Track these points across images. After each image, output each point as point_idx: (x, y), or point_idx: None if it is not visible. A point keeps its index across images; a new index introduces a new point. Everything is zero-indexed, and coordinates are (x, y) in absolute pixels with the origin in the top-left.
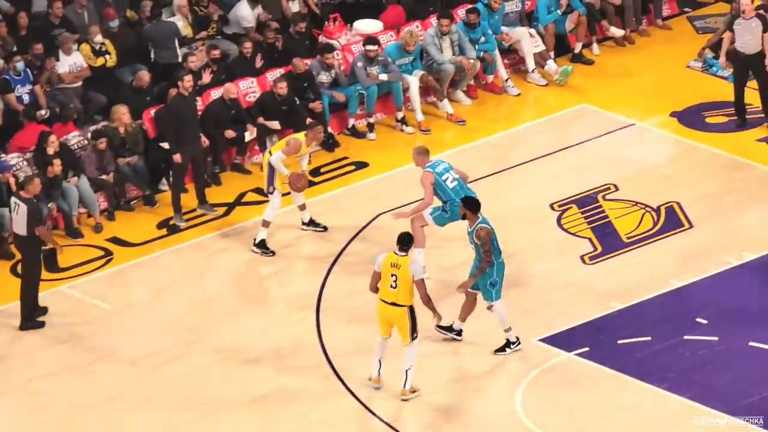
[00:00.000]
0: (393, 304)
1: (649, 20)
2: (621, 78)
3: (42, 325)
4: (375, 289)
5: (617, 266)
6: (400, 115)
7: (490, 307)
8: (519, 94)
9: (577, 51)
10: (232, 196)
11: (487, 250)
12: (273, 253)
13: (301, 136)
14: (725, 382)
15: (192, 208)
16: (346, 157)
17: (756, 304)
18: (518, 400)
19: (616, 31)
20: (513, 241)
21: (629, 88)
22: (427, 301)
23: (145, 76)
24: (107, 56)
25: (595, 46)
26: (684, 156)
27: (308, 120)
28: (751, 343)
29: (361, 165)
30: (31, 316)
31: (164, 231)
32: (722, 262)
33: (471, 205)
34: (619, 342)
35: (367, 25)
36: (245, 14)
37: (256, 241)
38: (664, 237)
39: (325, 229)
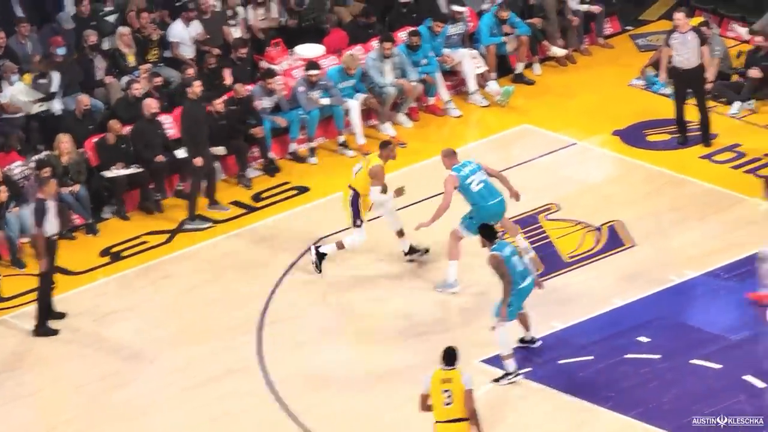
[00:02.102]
0: (452, 421)
1: (590, 39)
2: (563, 98)
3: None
4: (426, 411)
5: (559, 286)
6: (341, 138)
7: (493, 328)
8: (461, 116)
9: (518, 71)
10: (174, 223)
11: (502, 273)
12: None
13: (376, 159)
14: (668, 399)
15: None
16: (287, 182)
17: (697, 322)
18: None
19: (558, 51)
20: (442, 271)
21: (571, 108)
22: (474, 415)
23: (84, 99)
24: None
25: (536, 66)
26: (626, 174)
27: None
28: (692, 361)
29: (303, 189)
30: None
31: (107, 259)
32: (664, 280)
33: (485, 233)
34: (562, 362)
35: (308, 50)
36: (177, 31)
37: (320, 250)
38: (606, 256)
39: (427, 251)
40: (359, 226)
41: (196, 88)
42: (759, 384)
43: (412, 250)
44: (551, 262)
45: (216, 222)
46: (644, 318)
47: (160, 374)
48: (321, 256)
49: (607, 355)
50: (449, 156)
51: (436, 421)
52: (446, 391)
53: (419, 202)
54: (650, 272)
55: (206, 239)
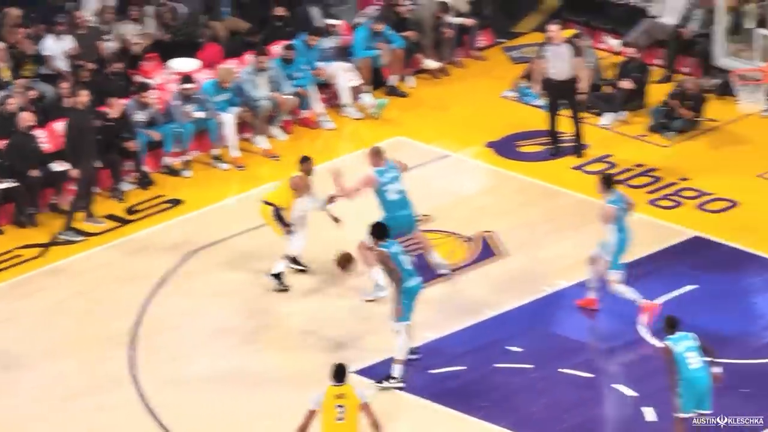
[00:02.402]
0: None
1: (464, 52)
2: (436, 110)
3: None
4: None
5: (431, 296)
6: (215, 152)
7: (397, 331)
8: (335, 128)
9: (392, 84)
10: (48, 237)
11: (390, 269)
12: (287, 288)
13: (295, 173)
14: (539, 408)
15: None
16: (161, 195)
17: (569, 332)
18: None
19: (432, 64)
20: (330, 273)
21: (445, 120)
22: (377, 426)
23: None
24: None
25: (410, 78)
26: (499, 186)
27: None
28: (563, 370)
29: (176, 202)
30: None
31: None
32: (536, 290)
33: (375, 231)
34: (433, 372)
35: (183, 64)
36: (49, 46)
37: (273, 274)
38: (479, 267)
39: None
40: (292, 232)
41: (83, 98)
42: (629, 392)
43: (295, 261)
44: (424, 272)
45: (90, 235)
46: (516, 328)
47: (32, 387)
48: (277, 276)
49: (479, 365)
50: (376, 155)
51: None
52: (340, 406)
53: None
54: (522, 282)
55: (80, 252)
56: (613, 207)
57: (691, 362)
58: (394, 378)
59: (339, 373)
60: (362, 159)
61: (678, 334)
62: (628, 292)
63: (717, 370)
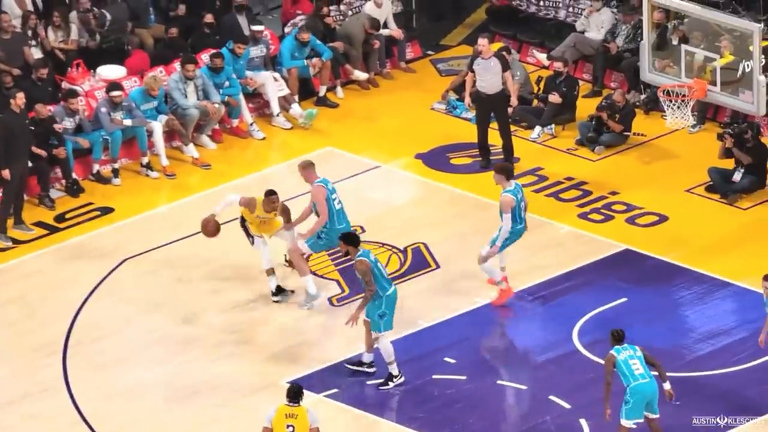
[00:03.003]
0: None
1: (392, 63)
2: (366, 121)
3: None
4: None
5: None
6: (145, 160)
7: (376, 339)
8: (264, 138)
9: (321, 94)
10: None
11: (368, 281)
12: (292, 291)
13: (259, 199)
14: (474, 420)
15: None
16: (91, 203)
17: (503, 343)
18: None
19: (360, 75)
20: (260, 287)
21: (374, 131)
22: None
23: None
24: None
25: (339, 89)
26: (430, 197)
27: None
28: (498, 381)
29: (107, 210)
30: None
31: None
32: (470, 301)
33: (351, 241)
34: (369, 383)
35: (110, 71)
36: None
37: (273, 291)
38: (412, 278)
39: (293, 292)
40: (252, 244)
41: (19, 100)
42: (564, 404)
43: (279, 291)
44: (358, 283)
45: (18, 242)
46: (450, 339)
47: None
48: (279, 291)
49: (414, 376)
50: (308, 168)
51: None
52: (290, 426)
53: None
54: (456, 294)
55: (9, 260)
56: (511, 196)
57: (636, 369)
58: (395, 376)
59: (294, 394)
60: (295, 172)
61: (622, 345)
62: (493, 273)
63: (666, 386)
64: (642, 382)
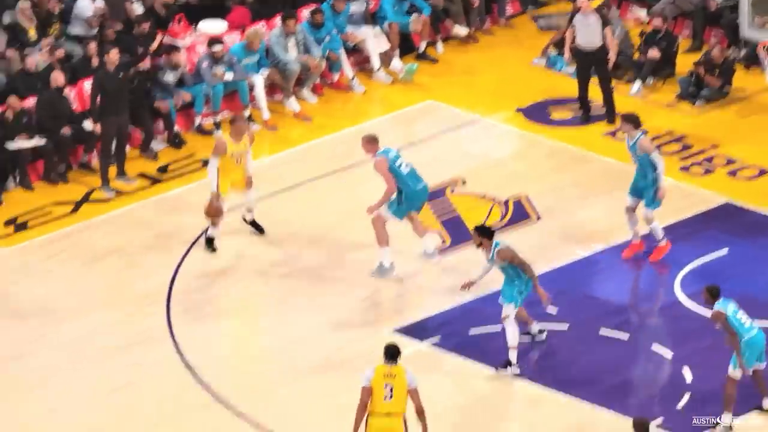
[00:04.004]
0: (388, 415)
1: (492, 19)
2: (466, 76)
3: None
4: (363, 410)
5: (466, 258)
6: (246, 113)
7: (505, 318)
8: (365, 92)
9: (421, 50)
10: (80, 194)
11: (520, 262)
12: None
13: (225, 135)
14: (577, 369)
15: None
16: (192, 155)
17: (603, 294)
18: None
19: (460, 30)
20: (363, 236)
21: (474, 86)
22: (422, 412)
23: None
24: None
25: (439, 44)
26: (530, 150)
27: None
28: (600, 331)
29: (208, 162)
30: None
31: (11, 229)
32: (570, 253)
33: (485, 234)
34: (471, 332)
35: (211, 26)
36: (83, 6)
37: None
38: (512, 229)
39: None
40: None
41: (113, 56)
42: (666, 353)
43: (254, 224)
44: (459, 234)
45: (121, 193)
46: (552, 289)
47: (68, 343)
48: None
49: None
50: (371, 141)
51: (372, 412)
52: (388, 385)
53: (326, 175)
54: (556, 245)
55: (112, 210)
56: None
57: (744, 321)
58: (512, 364)
59: (391, 354)
60: (396, 126)
61: (722, 300)
62: (657, 232)
63: None
64: (754, 333)
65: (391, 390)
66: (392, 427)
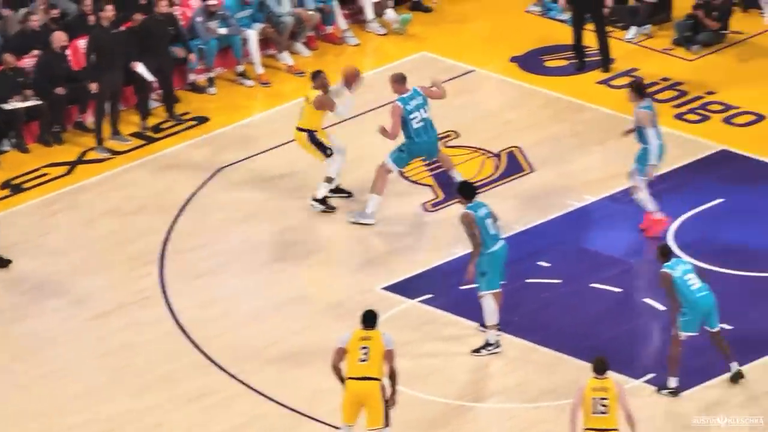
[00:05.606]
0: (364, 378)
1: None
2: (460, 25)
3: None
4: (337, 367)
5: (459, 213)
6: (240, 68)
7: (481, 296)
8: (359, 44)
9: None
10: (75, 155)
11: (470, 235)
12: (334, 209)
13: (314, 92)
14: (569, 324)
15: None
16: (187, 112)
17: (597, 246)
18: None
19: None
20: (357, 189)
21: (469, 35)
22: (395, 375)
23: None
24: None
25: None
26: (524, 100)
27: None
28: (592, 285)
29: (202, 120)
30: None
31: (7, 191)
32: (564, 204)
33: (464, 191)
34: (462, 287)
35: None
36: None
37: (317, 198)
38: (506, 182)
39: (350, 195)
40: (331, 155)
41: (108, 13)
42: (659, 306)
43: (338, 190)
44: (451, 189)
45: (116, 153)
46: (544, 243)
47: (61, 306)
48: (322, 201)
49: (509, 280)
50: (399, 81)
51: (348, 377)
52: (364, 348)
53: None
54: (550, 197)
55: (107, 170)
56: (647, 111)
57: (692, 283)
58: (490, 345)
59: (368, 320)
60: (386, 83)
61: (673, 260)
62: (647, 204)
63: None
64: (700, 296)
65: (367, 352)
66: (368, 391)
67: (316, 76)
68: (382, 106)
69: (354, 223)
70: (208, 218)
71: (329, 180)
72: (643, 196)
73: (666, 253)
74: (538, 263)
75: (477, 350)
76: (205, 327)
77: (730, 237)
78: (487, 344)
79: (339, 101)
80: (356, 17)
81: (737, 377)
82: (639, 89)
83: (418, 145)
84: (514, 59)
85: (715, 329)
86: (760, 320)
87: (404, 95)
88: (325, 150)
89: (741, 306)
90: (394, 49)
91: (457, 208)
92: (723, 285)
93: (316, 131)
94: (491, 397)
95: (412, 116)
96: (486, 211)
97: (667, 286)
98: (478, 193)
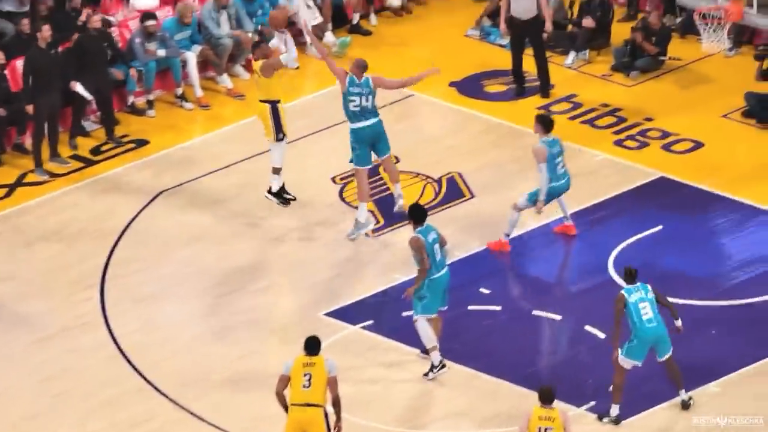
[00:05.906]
0: (306, 405)
1: None
2: (399, 48)
3: None
4: (281, 395)
5: (400, 238)
6: (179, 91)
7: (415, 320)
8: (298, 68)
9: (354, 22)
10: (13, 177)
11: (419, 260)
12: (294, 198)
13: (258, 63)
14: (510, 351)
15: None
16: (126, 135)
17: (538, 273)
18: None
19: (394, 1)
20: (296, 216)
21: (408, 59)
22: (338, 402)
23: None
24: None
25: (372, 16)
26: (464, 126)
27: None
28: (533, 312)
29: (142, 142)
30: None
31: None
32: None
33: (414, 214)
34: (404, 314)
35: (144, 1)
36: None
37: (272, 190)
38: (446, 208)
39: (294, 199)
40: (281, 140)
41: (45, 33)
42: (599, 334)
43: (282, 192)
44: (392, 214)
45: (55, 175)
46: (485, 269)
47: (1, 330)
48: (277, 194)
49: (450, 307)
50: (358, 68)
51: (291, 404)
52: (307, 374)
53: (260, 154)
54: (490, 223)
55: (46, 193)
56: (543, 147)
57: (644, 313)
58: (434, 367)
59: (310, 346)
60: (331, 102)
61: (634, 286)
62: (511, 226)
63: (678, 323)
64: (649, 327)
65: (309, 378)
66: (311, 418)
67: (256, 46)
68: (323, 129)
69: (355, 239)
70: (150, 242)
71: (277, 171)
72: (513, 218)
73: (631, 277)
74: (480, 290)
75: (426, 374)
76: (147, 352)
77: (669, 264)
78: (433, 367)
79: (283, 55)
80: (296, 39)
81: (686, 405)
82: (544, 122)
83: (356, 131)
84: (453, 84)
85: (663, 359)
86: (702, 348)
87: (355, 78)
88: (278, 132)
89: (683, 334)
90: None
91: (398, 234)
92: (664, 313)
93: (278, 101)
94: (432, 424)
95: (351, 98)
96: (434, 236)
97: (619, 308)
98: None
